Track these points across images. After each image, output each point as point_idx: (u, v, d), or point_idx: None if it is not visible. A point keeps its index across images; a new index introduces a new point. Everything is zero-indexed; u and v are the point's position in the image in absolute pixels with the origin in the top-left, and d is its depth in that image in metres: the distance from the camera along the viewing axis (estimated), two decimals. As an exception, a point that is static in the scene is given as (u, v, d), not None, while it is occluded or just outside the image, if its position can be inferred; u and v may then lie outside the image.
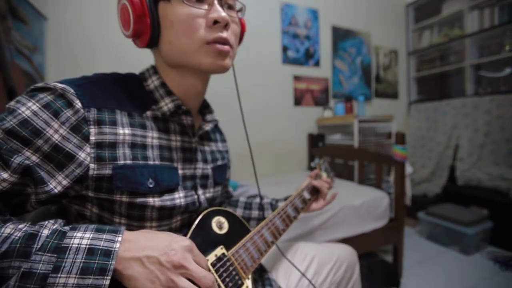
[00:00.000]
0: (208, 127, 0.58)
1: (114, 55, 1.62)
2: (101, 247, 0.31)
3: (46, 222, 0.33)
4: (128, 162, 0.42)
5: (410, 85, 2.95)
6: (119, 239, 0.33)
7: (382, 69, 2.78)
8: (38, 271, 0.28)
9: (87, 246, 0.31)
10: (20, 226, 0.32)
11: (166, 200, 0.46)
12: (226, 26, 0.46)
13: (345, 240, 1.27)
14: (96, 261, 0.30)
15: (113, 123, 0.42)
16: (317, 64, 2.35)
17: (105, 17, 1.58)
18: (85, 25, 1.55)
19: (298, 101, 2.26)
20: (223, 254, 0.50)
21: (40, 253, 0.29)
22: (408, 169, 1.77)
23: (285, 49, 2.19)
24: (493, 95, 2.19)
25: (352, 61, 2.57)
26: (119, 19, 0.48)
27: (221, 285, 0.46)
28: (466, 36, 2.38)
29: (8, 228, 0.31)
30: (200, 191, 0.54)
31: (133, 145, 0.44)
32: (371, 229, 1.36)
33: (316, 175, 0.84)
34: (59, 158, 0.37)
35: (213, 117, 0.61)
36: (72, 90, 0.39)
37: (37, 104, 0.37)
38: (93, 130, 0.39)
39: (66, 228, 0.33)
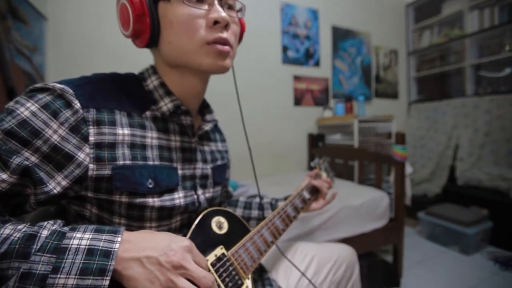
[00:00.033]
0: (207, 127, 0.58)
1: (114, 55, 1.62)
2: (100, 248, 0.31)
3: (45, 222, 0.33)
4: (128, 162, 0.42)
5: (410, 85, 2.95)
6: (119, 239, 0.33)
7: (382, 69, 2.78)
8: (38, 271, 0.28)
9: (87, 246, 0.31)
10: (20, 226, 0.32)
11: (165, 200, 0.46)
12: (226, 26, 0.46)
13: (345, 240, 1.27)
14: (96, 262, 0.30)
15: (112, 124, 0.42)
16: (317, 64, 2.35)
17: (105, 17, 1.58)
18: (85, 25, 1.55)
19: (298, 101, 2.26)
20: (223, 254, 0.50)
21: (39, 253, 0.29)
22: (408, 169, 1.77)
23: (285, 49, 2.19)
24: (493, 95, 2.18)
25: (352, 61, 2.56)
26: (119, 19, 0.48)
27: (221, 285, 0.46)
28: (466, 36, 2.37)
29: (8, 229, 0.31)
30: (199, 191, 0.54)
31: (132, 146, 0.44)
32: (371, 229, 1.36)
33: (316, 174, 0.84)
34: (58, 158, 0.37)
35: (213, 117, 0.61)
36: (71, 91, 0.39)
37: (36, 105, 0.37)
38: (92, 130, 0.39)
39: (66, 228, 0.33)
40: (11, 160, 0.34)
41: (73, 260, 0.30)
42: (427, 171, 2.52)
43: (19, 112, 0.36)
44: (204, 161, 0.57)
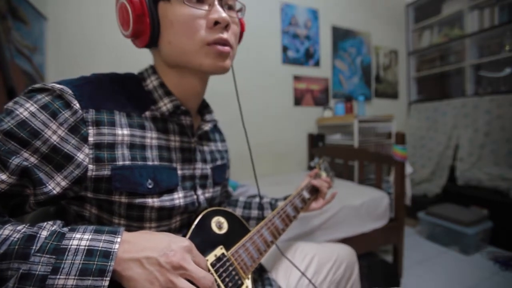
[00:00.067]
0: (207, 127, 0.58)
1: (114, 55, 1.62)
2: (100, 248, 0.31)
3: (45, 223, 0.33)
4: (127, 163, 0.42)
5: (410, 85, 2.95)
6: (118, 240, 0.33)
7: (382, 69, 2.78)
8: (37, 272, 0.28)
9: (86, 247, 0.31)
10: (19, 227, 0.32)
11: (165, 200, 0.46)
12: (226, 27, 0.46)
13: (345, 240, 1.27)
14: (95, 262, 0.30)
15: (112, 124, 0.42)
16: (317, 64, 2.35)
17: (105, 17, 1.58)
18: (85, 25, 1.55)
19: (298, 101, 2.26)
20: (223, 254, 0.50)
21: (39, 254, 0.29)
22: (408, 169, 1.77)
23: (285, 49, 2.19)
24: (493, 95, 2.18)
25: (352, 61, 2.56)
26: (118, 19, 0.48)
27: (221, 285, 0.45)
28: (466, 36, 2.37)
29: (7, 230, 0.31)
30: (199, 191, 0.54)
31: (131, 146, 0.44)
32: (371, 229, 1.36)
33: (315, 174, 0.84)
34: (57, 159, 0.37)
35: (212, 117, 0.61)
36: (70, 91, 0.39)
37: (35, 105, 0.37)
38: (91, 131, 0.39)
39: (65, 229, 0.33)
40: (10, 160, 0.34)
41: (72, 261, 0.30)
42: (427, 171, 2.52)
43: (18, 112, 0.36)
44: (204, 161, 0.57)
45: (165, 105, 0.50)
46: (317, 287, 0.68)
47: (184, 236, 0.48)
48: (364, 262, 1.31)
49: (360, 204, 1.34)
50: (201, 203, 0.54)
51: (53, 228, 0.33)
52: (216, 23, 0.44)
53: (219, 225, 0.53)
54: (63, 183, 0.38)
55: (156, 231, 0.45)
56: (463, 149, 2.29)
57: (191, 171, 0.53)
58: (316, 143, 2.20)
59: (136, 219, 0.44)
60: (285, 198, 0.76)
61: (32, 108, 0.37)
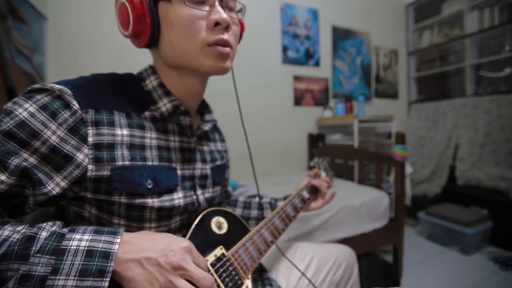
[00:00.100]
0: (206, 127, 0.58)
1: (114, 55, 1.62)
2: (100, 249, 0.31)
3: (45, 224, 0.33)
4: (127, 163, 0.42)
5: (410, 85, 2.94)
6: (118, 240, 0.33)
7: (382, 69, 2.78)
8: (37, 273, 0.28)
9: (86, 248, 0.31)
10: (19, 228, 0.32)
11: (165, 200, 0.46)
12: (227, 27, 0.46)
13: (345, 240, 1.27)
14: (95, 263, 0.30)
15: (111, 124, 0.42)
16: (317, 64, 2.35)
17: (105, 17, 1.58)
18: (85, 25, 1.55)
19: (298, 101, 2.26)
20: (223, 254, 0.50)
21: (38, 255, 0.29)
22: (408, 169, 1.77)
23: (285, 49, 2.19)
24: (493, 95, 2.18)
25: (352, 61, 2.56)
26: (118, 19, 0.48)
27: (221, 285, 0.46)
28: (466, 36, 2.37)
29: (6, 231, 0.31)
30: (199, 191, 0.54)
31: (131, 146, 0.44)
32: (371, 229, 1.36)
33: (315, 174, 0.84)
34: (57, 159, 0.37)
35: (212, 117, 0.61)
36: (70, 91, 0.39)
37: (34, 106, 0.37)
38: (91, 131, 0.39)
39: (65, 230, 0.33)
40: (10, 161, 0.34)
41: (72, 262, 0.30)
42: (427, 171, 2.52)
43: (17, 113, 0.36)
44: (204, 161, 0.57)
45: (164, 105, 0.50)
46: (317, 287, 0.68)
47: (184, 236, 0.48)
48: (364, 262, 1.31)
49: (360, 204, 1.34)
50: (201, 203, 0.54)
51: (53, 229, 0.33)
52: (217, 24, 0.44)
53: (219, 225, 0.53)
54: (63, 184, 0.38)
55: (156, 232, 0.45)
56: (463, 149, 2.29)
57: (190, 171, 0.53)
58: (316, 143, 2.20)
59: (136, 220, 0.44)
60: (284, 198, 0.76)
61: (32, 109, 0.37)
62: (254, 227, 0.59)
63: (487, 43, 2.31)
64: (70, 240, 0.31)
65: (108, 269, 0.30)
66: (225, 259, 0.49)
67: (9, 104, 0.37)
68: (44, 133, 0.36)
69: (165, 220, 0.48)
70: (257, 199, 0.76)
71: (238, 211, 0.74)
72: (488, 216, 1.89)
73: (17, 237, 0.30)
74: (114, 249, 0.32)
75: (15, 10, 1.10)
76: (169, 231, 0.49)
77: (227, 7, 0.47)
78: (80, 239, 0.32)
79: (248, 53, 1.98)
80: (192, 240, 0.43)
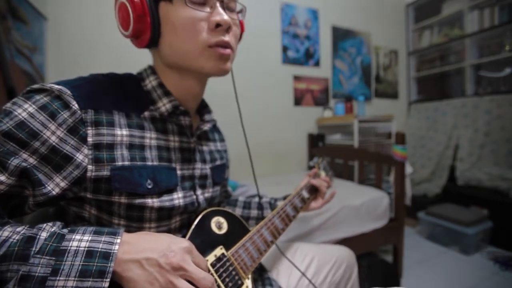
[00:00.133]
0: (206, 127, 0.58)
1: (114, 55, 1.62)
2: (100, 250, 0.31)
3: (44, 224, 0.33)
4: (126, 163, 0.42)
5: (410, 85, 2.94)
6: (118, 241, 0.33)
7: (382, 69, 2.78)
8: (37, 274, 0.28)
9: (86, 248, 0.31)
10: (18, 229, 0.32)
11: (165, 200, 0.46)
12: (228, 29, 0.46)
13: (345, 240, 1.27)
14: (95, 264, 0.30)
15: (111, 124, 0.42)
16: (317, 64, 2.35)
17: (105, 17, 1.58)
18: (85, 25, 1.55)
19: (298, 101, 2.26)
20: (223, 254, 0.50)
21: (38, 256, 0.29)
22: (408, 169, 1.77)
23: (285, 49, 2.19)
24: (493, 95, 2.18)
25: (352, 61, 2.56)
26: (117, 19, 0.47)
27: (221, 285, 0.46)
28: (466, 36, 2.37)
29: (6, 231, 0.31)
30: (198, 191, 0.54)
31: (131, 146, 0.43)
32: (371, 229, 1.36)
33: (314, 174, 0.84)
34: (56, 160, 0.37)
35: (211, 117, 0.61)
36: (69, 92, 0.39)
37: (34, 106, 0.37)
38: (90, 131, 0.39)
39: (65, 230, 0.33)
40: (9, 161, 0.33)
41: (72, 262, 0.30)
42: (427, 171, 2.52)
43: (16, 113, 0.36)
44: (203, 161, 0.57)
45: (164, 105, 0.50)
46: (317, 287, 0.68)
47: (184, 236, 0.48)
48: (364, 262, 1.31)
49: (360, 204, 1.34)
50: (201, 203, 0.54)
51: (53, 230, 0.33)
52: (218, 25, 0.44)
53: (218, 225, 0.53)
54: (63, 184, 0.38)
55: (155, 232, 0.45)
56: (463, 149, 2.29)
57: (190, 171, 0.53)
58: (316, 143, 2.20)
59: (136, 220, 0.44)
60: (284, 198, 0.76)
61: (31, 109, 0.36)
62: (254, 227, 0.59)
63: (487, 43, 2.31)
64: (70, 241, 0.31)
65: (108, 269, 0.30)
66: (225, 259, 0.49)
67: (8, 105, 0.37)
68: (44, 134, 0.36)
69: (165, 220, 0.48)
70: (256, 199, 0.76)
71: (237, 211, 0.74)
72: (488, 216, 1.89)
73: (17, 238, 0.30)
74: (114, 250, 0.32)
75: (15, 10, 1.10)
76: (169, 231, 0.49)
77: (227, 8, 0.47)
78: (80, 240, 0.31)
79: (248, 53, 1.98)
80: (192, 240, 0.43)
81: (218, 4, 0.45)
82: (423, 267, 1.61)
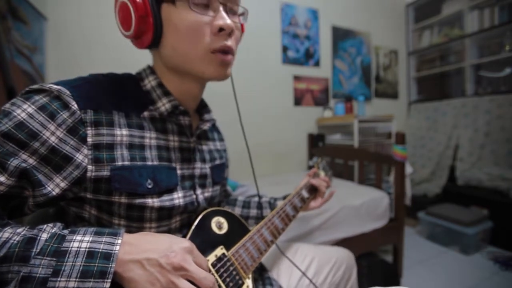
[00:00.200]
0: (205, 126, 0.58)
1: (114, 55, 1.62)
2: (101, 250, 0.31)
3: (45, 225, 0.33)
4: (126, 163, 0.42)
5: (410, 85, 2.95)
6: (119, 241, 0.33)
7: (382, 69, 2.78)
8: (38, 275, 0.28)
9: (87, 249, 0.31)
10: (19, 230, 0.32)
11: (165, 200, 0.46)
12: (230, 33, 0.46)
13: (345, 240, 1.27)
14: (96, 264, 0.30)
15: (110, 124, 0.42)
16: (317, 64, 2.35)
17: (105, 17, 1.58)
18: (85, 25, 1.55)
19: (298, 101, 2.26)
20: (223, 254, 0.50)
21: (39, 257, 0.29)
22: (408, 169, 1.77)
23: (285, 49, 2.19)
24: (493, 95, 2.18)
25: (352, 61, 2.56)
26: (118, 19, 0.47)
27: (222, 285, 0.46)
28: (466, 36, 2.37)
29: (7, 232, 0.31)
30: (198, 191, 0.54)
31: (130, 146, 0.43)
32: (371, 229, 1.36)
33: (314, 173, 0.84)
34: (56, 160, 0.37)
35: (211, 117, 0.61)
36: (68, 92, 0.38)
37: (33, 106, 0.37)
38: (90, 131, 0.39)
39: (65, 231, 0.33)
40: (9, 162, 0.33)
41: (73, 263, 0.29)
42: (427, 171, 2.52)
43: (15, 114, 0.36)
44: (203, 160, 0.57)
45: (163, 105, 0.50)
46: (318, 287, 0.68)
47: (184, 236, 0.48)
48: (364, 262, 1.31)
49: (360, 204, 1.34)
50: (201, 203, 0.54)
51: (53, 231, 0.33)
52: (221, 29, 0.44)
53: (219, 225, 0.53)
54: (62, 184, 0.37)
55: (156, 232, 0.45)
56: (463, 149, 2.29)
57: (190, 171, 0.53)
58: (316, 143, 2.20)
59: (136, 220, 0.44)
60: (284, 198, 0.76)
61: (30, 109, 0.36)
62: (254, 226, 0.59)
63: (487, 43, 2.31)
64: (70, 242, 0.31)
65: (109, 270, 0.30)
66: (225, 259, 0.49)
67: (7, 105, 0.37)
68: (43, 134, 0.36)
69: (165, 220, 0.48)
70: (256, 199, 0.76)
71: (237, 210, 0.74)
72: (488, 216, 1.90)
73: (17, 239, 0.30)
74: (115, 250, 0.32)
75: (15, 10, 1.10)
76: (169, 231, 0.49)
77: (230, 11, 0.47)
78: (81, 241, 0.31)
79: (248, 53, 1.98)
80: (193, 240, 0.43)
81: (221, 8, 0.44)
82: (423, 267, 1.61)
